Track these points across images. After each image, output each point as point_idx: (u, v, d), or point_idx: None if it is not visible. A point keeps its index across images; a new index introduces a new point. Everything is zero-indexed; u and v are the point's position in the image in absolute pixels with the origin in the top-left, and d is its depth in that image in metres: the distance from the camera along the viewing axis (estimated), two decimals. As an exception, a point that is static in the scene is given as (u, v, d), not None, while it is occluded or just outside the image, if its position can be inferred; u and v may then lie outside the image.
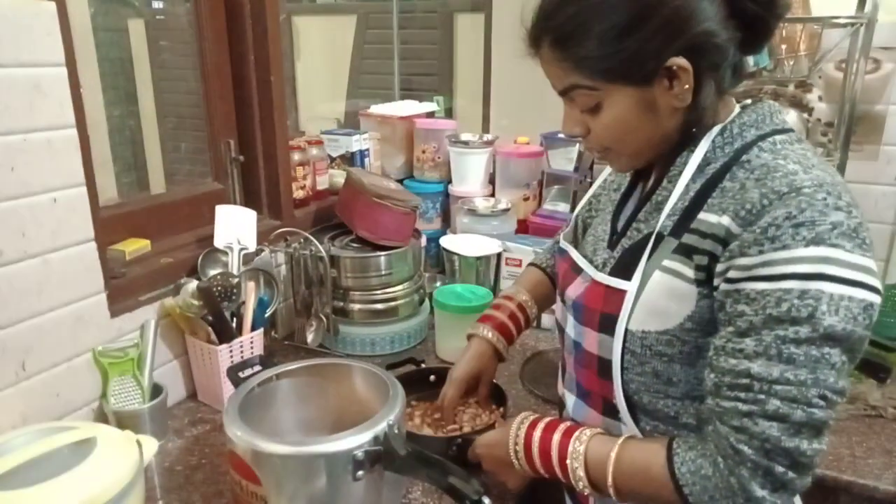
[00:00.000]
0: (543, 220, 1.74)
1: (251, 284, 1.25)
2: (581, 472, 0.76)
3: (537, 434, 0.82)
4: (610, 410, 0.81)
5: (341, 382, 1.05)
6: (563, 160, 1.71)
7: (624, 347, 0.76)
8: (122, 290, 1.15)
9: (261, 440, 0.84)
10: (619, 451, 0.75)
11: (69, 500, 0.79)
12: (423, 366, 1.21)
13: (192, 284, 1.15)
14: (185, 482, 1.03)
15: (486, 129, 2.19)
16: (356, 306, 1.44)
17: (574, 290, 0.85)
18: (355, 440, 0.83)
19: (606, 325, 0.78)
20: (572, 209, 1.75)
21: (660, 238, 0.75)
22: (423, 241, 1.60)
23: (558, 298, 0.92)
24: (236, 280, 1.21)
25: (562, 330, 0.90)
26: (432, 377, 1.21)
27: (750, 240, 0.66)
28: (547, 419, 0.84)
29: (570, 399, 0.89)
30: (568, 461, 0.78)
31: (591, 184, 1.80)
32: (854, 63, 1.38)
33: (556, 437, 0.80)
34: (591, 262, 0.85)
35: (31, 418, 1.00)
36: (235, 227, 1.32)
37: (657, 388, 0.77)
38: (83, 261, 1.06)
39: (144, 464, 0.93)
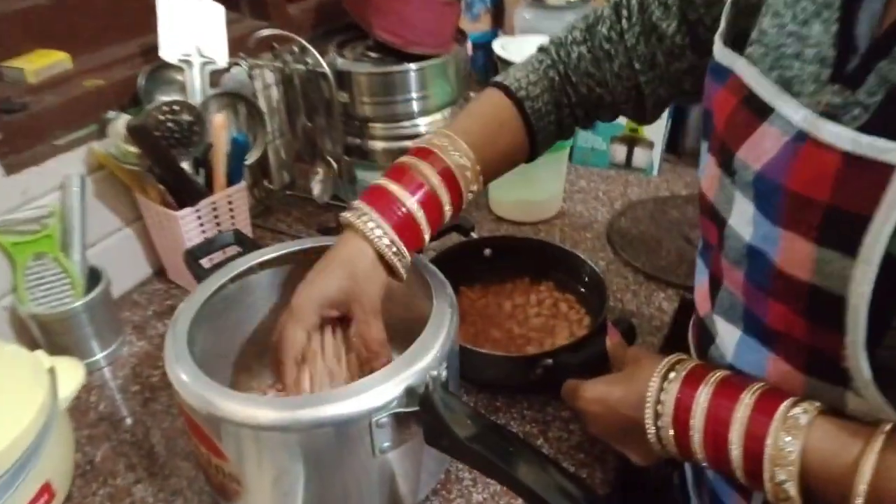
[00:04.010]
0: (635, 14, 1.24)
1: (219, 118, 0.84)
2: (792, 489, 0.42)
3: (703, 398, 0.46)
4: (828, 373, 0.43)
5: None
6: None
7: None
8: (24, 131, 0.76)
9: (221, 397, 0.50)
10: (884, 460, 0.39)
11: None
12: (473, 235, 0.84)
13: (121, 121, 0.75)
14: (142, 410, 0.72)
15: None
16: (378, 145, 1.03)
17: (759, 151, 0.44)
18: (374, 398, 0.48)
19: (842, 231, 0.39)
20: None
21: None
22: (469, 47, 1.13)
23: (710, 160, 0.50)
24: (195, 112, 0.80)
25: (717, 217, 0.50)
26: (487, 251, 0.84)
27: None
28: (719, 373, 0.48)
29: (728, 331, 0.51)
30: (766, 464, 0.42)
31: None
32: None
33: (744, 410, 0.44)
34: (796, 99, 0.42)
35: None
36: (194, 29, 0.88)
37: None
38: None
39: (64, 404, 0.61)
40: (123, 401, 0.73)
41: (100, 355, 0.78)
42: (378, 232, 0.54)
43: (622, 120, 1.10)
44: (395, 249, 0.55)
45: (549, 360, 0.64)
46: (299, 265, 0.67)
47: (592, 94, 0.63)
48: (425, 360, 0.51)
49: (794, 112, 0.41)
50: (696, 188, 1.09)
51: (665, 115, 1.07)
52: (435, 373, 0.48)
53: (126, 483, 0.64)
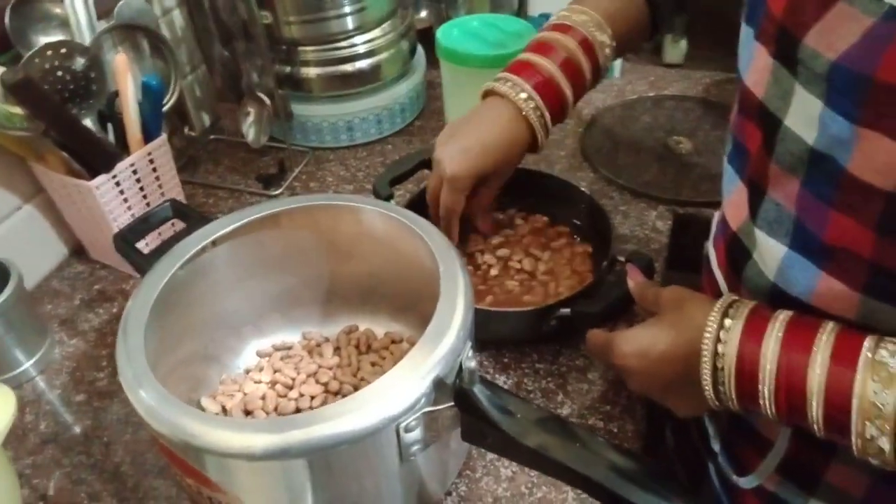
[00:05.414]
0: None
1: (120, 58, 0.68)
2: (885, 444, 0.37)
3: (772, 347, 0.41)
4: (891, 293, 0.39)
5: (331, 241, 0.58)
6: None
7: None
8: None
9: (201, 423, 0.40)
10: None
11: None
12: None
13: (-6, 77, 0.59)
14: (93, 423, 0.61)
15: None
16: (312, 71, 0.89)
17: (833, 37, 0.36)
18: (398, 400, 0.40)
19: None
20: None
21: None
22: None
23: (760, 51, 0.43)
24: (88, 53, 0.64)
25: (767, 117, 0.42)
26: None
27: None
28: (782, 315, 0.42)
29: (770, 246, 0.45)
30: (854, 418, 0.38)
31: None
32: None
33: (822, 357, 0.39)
34: None
35: None
36: (64, -54, 0.70)
37: None
38: None
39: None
40: (69, 415, 0.62)
41: (28, 364, 0.65)
42: (523, 95, 0.59)
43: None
44: (539, 112, 0.59)
45: (566, 310, 0.57)
46: (260, 232, 0.56)
47: None
48: (448, 341, 0.43)
49: None
50: (662, 87, 1.03)
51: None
52: (471, 364, 0.40)
53: (93, 516, 0.54)
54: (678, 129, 0.92)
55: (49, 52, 0.61)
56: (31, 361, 0.65)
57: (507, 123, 0.59)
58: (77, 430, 0.60)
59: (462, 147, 0.59)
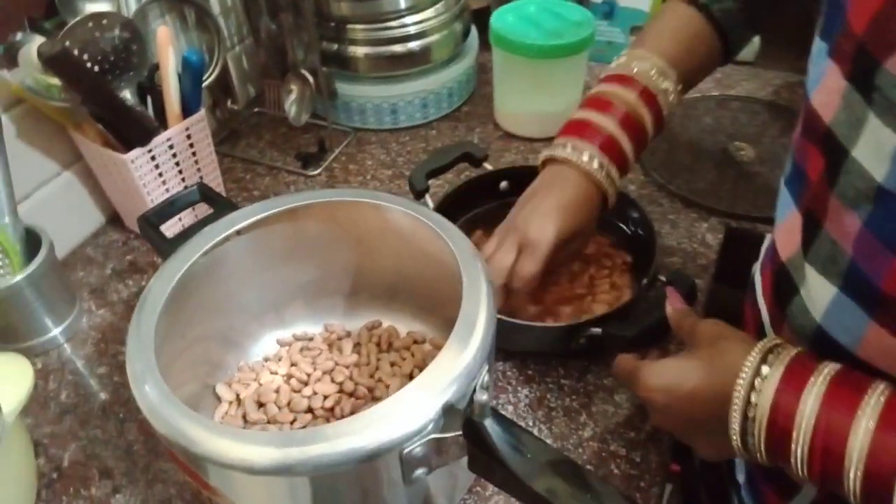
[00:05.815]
0: None
1: (162, 31, 0.67)
2: None
3: (811, 403, 0.37)
4: None
5: (357, 236, 0.56)
6: None
7: None
8: None
9: (204, 430, 0.39)
10: None
11: None
12: (486, 166, 0.70)
13: (33, 45, 0.58)
14: (112, 398, 0.61)
15: None
16: (360, 50, 0.86)
17: None
18: (403, 424, 0.38)
19: None
20: None
21: None
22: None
23: (832, 69, 0.38)
24: (130, 26, 0.63)
25: (832, 144, 0.38)
26: (504, 184, 0.71)
27: None
28: (828, 368, 0.38)
29: (820, 285, 0.40)
30: None
31: None
32: None
33: (866, 424, 0.35)
34: None
35: None
36: (115, -90, 0.69)
37: None
38: None
39: (10, 418, 0.50)
40: (89, 387, 0.62)
41: (56, 331, 0.66)
42: (585, 157, 0.55)
43: (645, 6, 0.94)
44: (604, 170, 0.55)
45: (597, 330, 0.53)
46: (286, 223, 0.54)
47: None
48: (462, 365, 0.40)
49: None
50: (728, 87, 0.96)
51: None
52: (483, 397, 0.38)
53: (102, 493, 0.54)
54: (741, 133, 0.85)
55: (90, 24, 0.60)
56: (60, 329, 0.66)
57: (576, 184, 0.55)
58: (95, 403, 0.61)
59: (540, 212, 0.55)
